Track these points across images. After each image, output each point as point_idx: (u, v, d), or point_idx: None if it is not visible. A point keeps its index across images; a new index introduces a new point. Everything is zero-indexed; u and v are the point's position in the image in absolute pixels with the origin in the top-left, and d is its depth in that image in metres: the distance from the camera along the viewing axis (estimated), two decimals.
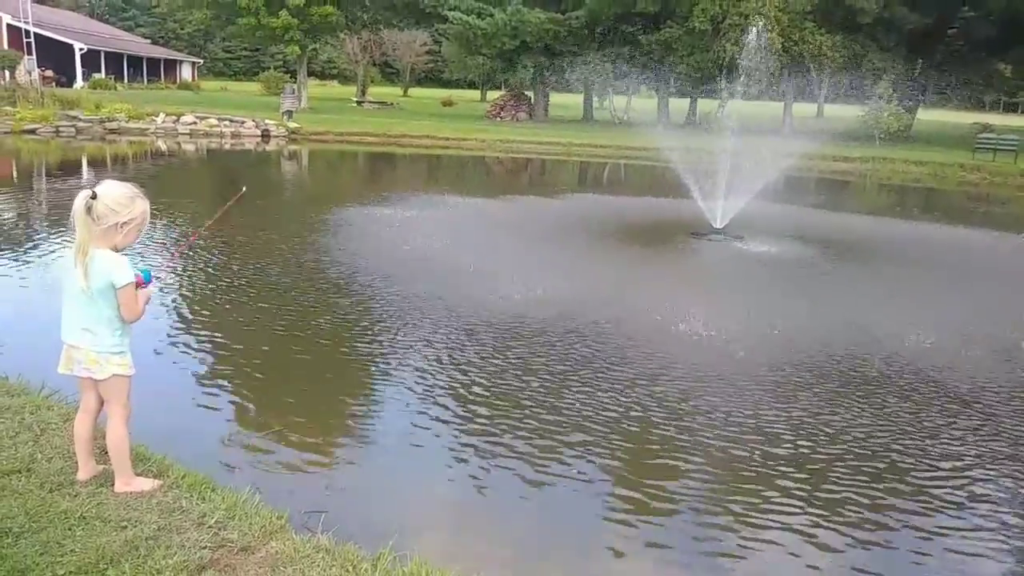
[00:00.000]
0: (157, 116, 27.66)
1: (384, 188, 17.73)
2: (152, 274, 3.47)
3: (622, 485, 4.44)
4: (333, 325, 6.95)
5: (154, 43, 61.62)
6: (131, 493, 3.45)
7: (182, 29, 73.15)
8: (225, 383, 5.55)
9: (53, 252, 9.13)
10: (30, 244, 9.57)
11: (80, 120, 25.59)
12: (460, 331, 6.81)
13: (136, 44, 53.02)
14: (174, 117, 27.97)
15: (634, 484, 4.45)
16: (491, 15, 34.22)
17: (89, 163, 20.52)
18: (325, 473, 4.37)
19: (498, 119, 38.94)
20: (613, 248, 11.25)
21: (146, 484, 3.54)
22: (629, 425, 5.14)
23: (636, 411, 5.34)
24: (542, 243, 11.26)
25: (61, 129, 24.82)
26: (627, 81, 41.63)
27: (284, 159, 24.76)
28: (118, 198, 3.19)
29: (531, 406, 5.34)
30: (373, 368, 6.01)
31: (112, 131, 26.08)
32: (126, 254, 3.36)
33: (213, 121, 28.27)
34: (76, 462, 3.59)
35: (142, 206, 3.27)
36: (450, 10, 34.85)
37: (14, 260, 8.78)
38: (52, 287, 7.72)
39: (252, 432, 4.80)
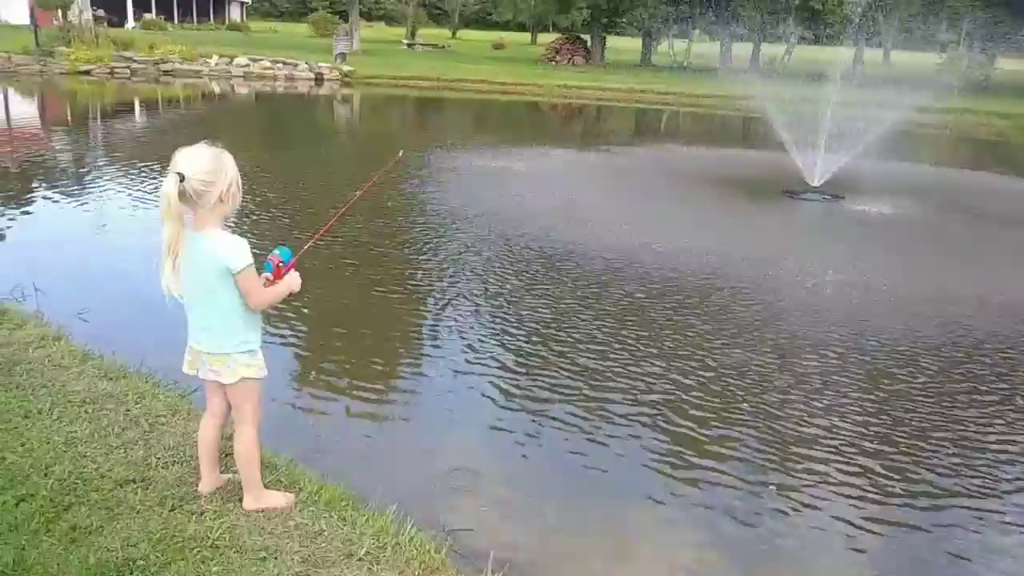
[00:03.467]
0: (210, 58, 27.18)
1: (465, 136, 17.06)
2: (293, 254, 2.91)
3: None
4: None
5: None
6: (263, 510, 2.97)
7: None
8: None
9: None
10: (116, 197, 9.17)
11: (135, 61, 25.22)
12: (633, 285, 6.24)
13: None
14: (227, 59, 27.49)
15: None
16: None
17: (146, 105, 20.12)
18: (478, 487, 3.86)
19: (554, 63, 37.71)
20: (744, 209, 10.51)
21: (279, 500, 3.05)
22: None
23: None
24: (651, 200, 10.82)
25: (116, 70, 24.49)
26: (688, 24, 40.11)
27: (341, 103, 24.14)
28: (206, 167, 2.61)
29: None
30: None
31: (166, 72, 25.70)
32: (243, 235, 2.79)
33: (266, 64, 27.74)
34: (197, 469, 3.12)
35: (229, 161, 2.70)
36: None
37: (99, 214, 8.41)
38: (142, 248, 7.34)
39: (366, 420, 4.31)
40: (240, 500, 3.01)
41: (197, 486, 3.07)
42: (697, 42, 43.78)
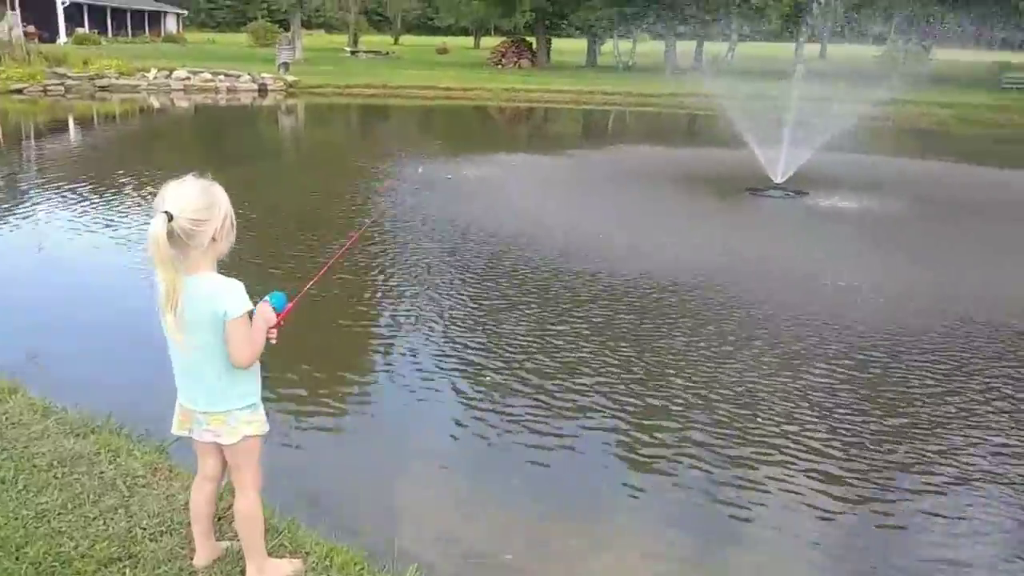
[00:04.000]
0: (148, 72, 26.36)
1: (418, 144, 16.69)
2: (287, 297, 2.60)
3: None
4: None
5: None
6: None
7: None
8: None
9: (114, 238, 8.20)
10: (52, 220, 8.65)
11: (69, 78, 24.28)
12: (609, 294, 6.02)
13: None
14: (166, 72, 26.70)
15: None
16: None
17: (81, 123, 19.31)
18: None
19: (500, 66, 37.56)
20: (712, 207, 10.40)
21: (286, 568, 2.75)
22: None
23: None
24: (614, 202, 10.67)
25: (49, 88, 23.51)
26: (632, 24, 40.31)
27: (287, 115, 23.54)
28: (195, 203, 2.29)
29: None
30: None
31: (102, 88, 24.83)
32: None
33: (207, 76, 27.01)
34: (189, 539, 2.80)
35: (221, 194, 2.39)
36: None
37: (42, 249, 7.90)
38: (89, 276, 6.89)
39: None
40: (242, 572, 2.70)
41: (192, 559, 2.75)
42: (641, 41, 44.09)
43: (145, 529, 2.90)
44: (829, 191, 11.18)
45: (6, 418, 3.70)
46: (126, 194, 10.05)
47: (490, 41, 58.29)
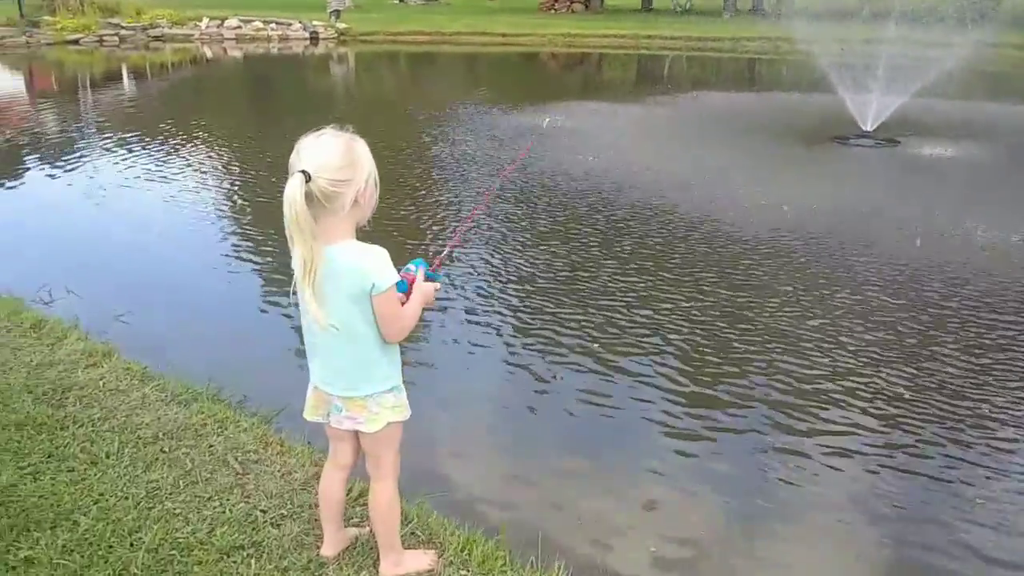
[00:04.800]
0: (200, 21, 26.08)
1: (486, 93, 16.02)
2: (432, 265, 2.30)
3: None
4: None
5: None
6: None
7: None
8: None
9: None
10: (110, 174, 8.48)
11: (123, 28, 24.13)
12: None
13: None
14: (218, 21, 26.38)
15: None
16: None
17: (135, 74, 19.15)
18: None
19: (553, 11, 36.49)
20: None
21: (421, 560, 2.49)
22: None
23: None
24: (703, 150, 10.12)
25: (104, 38, 23.41)
26: None
27: (340, 64, 23.14)
28: (336, 161, 1.98)
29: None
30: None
31: (156, 38, 24.64)
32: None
33: (259, 24, 26.63)
34: (315, 524, 2.55)
35: (364, 151, 2.07)
36: None
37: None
38: (164, 233, 6.68)
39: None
40: (375, 564, 2.45)
41: (320, 549, 2.50)
42: None
43: (265, 512, 2.66)
44: (921, 140, 10.51)
45: (103, 383, 3.49)
46: (193, 150, 9.80)
47: None
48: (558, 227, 6.82)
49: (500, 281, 5.57)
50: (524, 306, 5.19)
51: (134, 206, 7.46)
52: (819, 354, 4.48)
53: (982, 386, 4.16)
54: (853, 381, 4.19)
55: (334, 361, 2.18)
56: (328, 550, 2.49)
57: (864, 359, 4.44)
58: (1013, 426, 3.80)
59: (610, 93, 17.27)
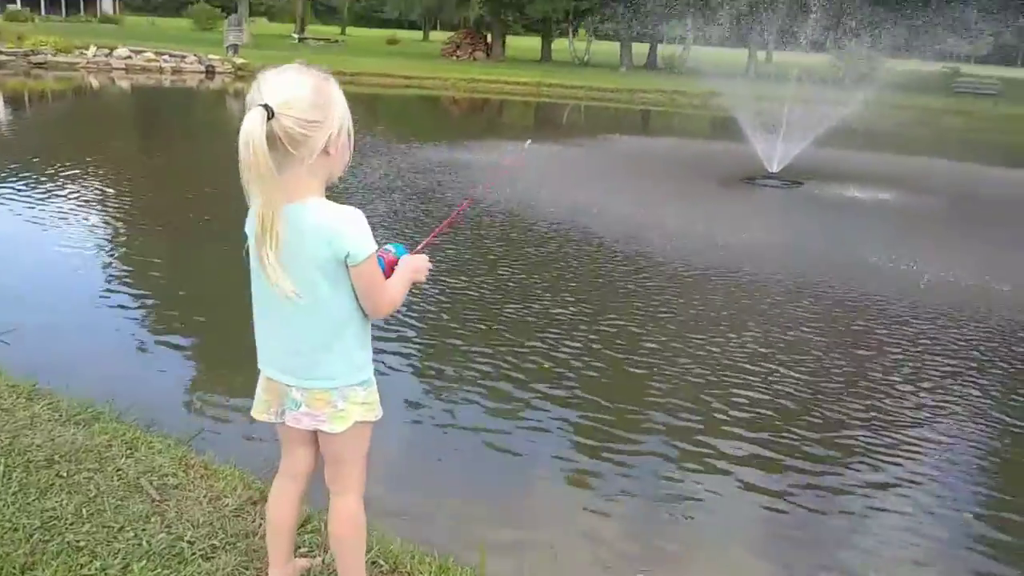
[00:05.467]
0: (88, 49, 24.82)
1: (393, 132, 15.68)
2: (405, 248, 1.97)
3: None
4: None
5: None
6: None
7: None
8: None
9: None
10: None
11: (1, 53, 22.65)
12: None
13: None
14: (107, 51, 25.17)
15: None
16: None
17: (9, 102, 17.87)
18: None
19: (454, 57, 36.79)
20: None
21: None
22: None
23: None
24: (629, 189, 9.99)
25: None
26: (590, 20, 40.06)
27: (237, 99, 22.38)
28: (307, 97, 1.64)
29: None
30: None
31: (37, 65, 23.20)
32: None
33: (150, 55, 25.57)
34: (256, 555, 2.13)
35: (336, 92, 1.72)
36: None
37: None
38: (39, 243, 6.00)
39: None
40: None
41: None
42: (599, 38, 43.92)
43: (192, 544, 2.22)
44: (822, 183, 10.90)
45: None
46: (51, 181, 9.02)
47: (438, 35, 57.42)
48: (479, 259, 6.54)
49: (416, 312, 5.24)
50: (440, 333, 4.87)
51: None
52: (722, 380, 4.34)
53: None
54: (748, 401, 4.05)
55: (293, 341, 1.80)
56: None
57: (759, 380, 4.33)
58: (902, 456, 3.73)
59: (521, 134, 17.32)
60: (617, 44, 40.84)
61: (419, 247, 2.08)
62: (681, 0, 32.81)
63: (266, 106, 1.59)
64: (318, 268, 1.71)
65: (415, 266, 1.90)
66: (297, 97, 1.63)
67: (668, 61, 39.43)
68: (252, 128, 1.57)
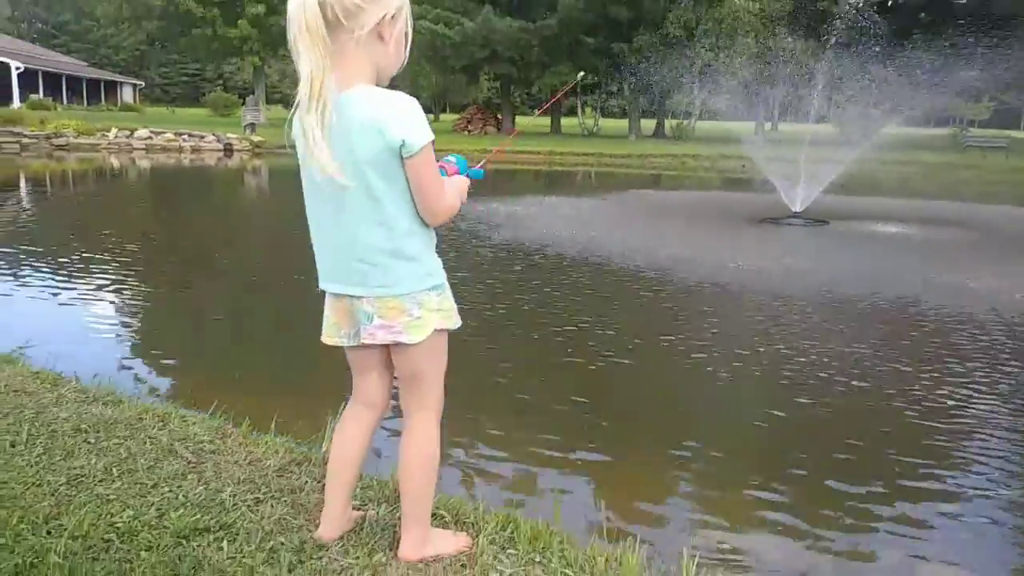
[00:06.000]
0: (109, 131, 25.39)
1: None
2: (469, 164, 1.84)
3: None
4: None
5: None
6: (431, 561, 1.78)
7: (117, 55, 69.86)
8: None
9: None
10: None
11: (25, 136, 23.20)
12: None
13: (74, 65, 49.85)
14: (127, 132, 25.75)
15: None
16: (460, 24, 32.80)
17: (33, 181, 18.15)
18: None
19: (467, 132, 37.46)
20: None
21: (451, 543, 1.87)
22: None
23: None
24: (663, 230, 9.86)
25: (4, 145, 22.41)
26: (598, 94, 40.92)
27: (257, 175, 22.71)
28: None
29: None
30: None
31: (60, 147, 23.72)
32: None
33: (170, 136, 26.12)
34: (310, 505, 1.91)
35: None
36: (417, 19, 33.31)
37: None
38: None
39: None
40: (390, 546, 1.82)
41: (314, 530, 1.85)
42: (604, 116, 44.75)
43: (235, 496, 2.00)
44: (846, 222, 10.78)
45: (5, 386, 2.76)
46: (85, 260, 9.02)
47: (448, 117, 58.68)
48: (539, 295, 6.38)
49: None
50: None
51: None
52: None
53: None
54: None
55: (355, 248, 1.62)
56: (327, 530, 1.84)
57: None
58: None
59: (553, 190, 17.40)
60: (624, 120, 41.65)
61: (479, 165, 1.96)
62: (689, 71, 33.56)
63: None
64: (371, 163, 1.56)
65: (460, 188, 1.77)
66: None
67: (676, 131, 40.03)
68: None
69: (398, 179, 1.59)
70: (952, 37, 30.97)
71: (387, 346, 1.69)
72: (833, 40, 21.91)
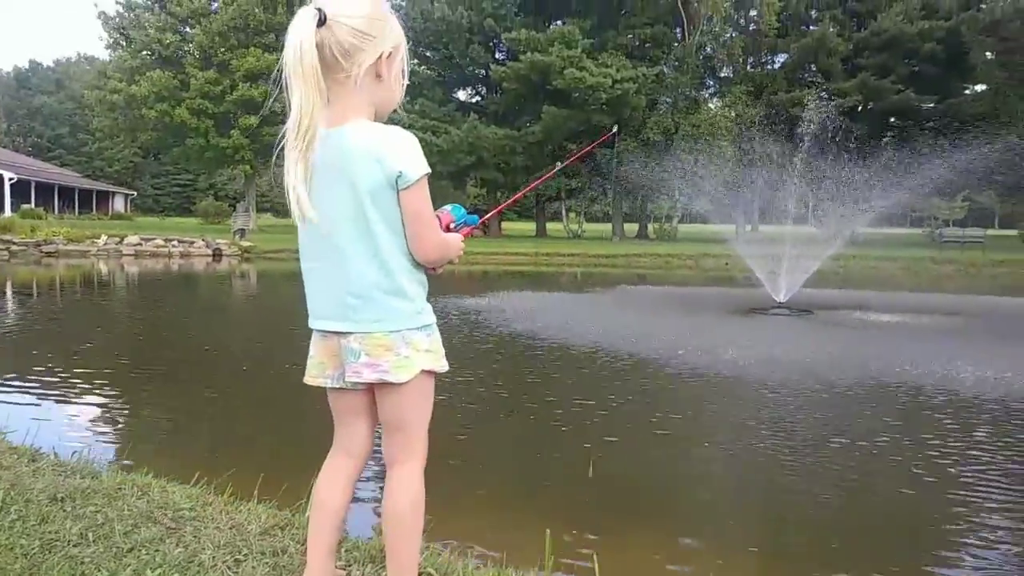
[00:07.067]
0: (99, 238, 25.65)
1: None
2: (466, 214, 1.87)
3: None
4: None
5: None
6: None
7: (110, 166, 71.27)
8: None
9: None
10: None
11: (14, 243, 23.38)
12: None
13: (66, 176, 50.74)
14: (117, 238, 26.01)
15: None
16: (447, 132, 33.82)
17: (15, 289, 18.20)
18: None
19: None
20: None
21: None
22: None
23: None
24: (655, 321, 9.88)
25: None
26: (581, 198, 41.90)
27: (245, 279, 22.83)
28: (366, 10, 1.59)
29: None
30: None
31: (49, 254, 23.88)
32: None
33: (160, 242, 26.39)
34: (292, 564, 1.84)
35: (396, 22, 1.67)
36: (405, 128, 34.36)
37: None
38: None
39: None
40: None
41: None
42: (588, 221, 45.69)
43: (215, 558, 1.93)
44: (830, 312, 10.90)
45: None
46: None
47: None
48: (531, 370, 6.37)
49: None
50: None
51: None
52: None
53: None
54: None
55: (346, 281, 1.62)
56: None
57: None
58: None
59: (521, 293, 17.50)
60: (608, 224, 42.52)
61: (485, 217, 2.00)
62: (670, 174, 34.56)
63: (319, 10, 1.54)
64: (367, 194, 1.59)
65: (457, 243, 1.77)
66: (354, 6, 1.58)
67: (659, 232, 40.82)
68: (302, 28, 1.53)
69: (393, 213, 1.61)
70: (921, 138, 32.23)
71: (371, 390, 1.67)
72: (806, 144, 22.70)
